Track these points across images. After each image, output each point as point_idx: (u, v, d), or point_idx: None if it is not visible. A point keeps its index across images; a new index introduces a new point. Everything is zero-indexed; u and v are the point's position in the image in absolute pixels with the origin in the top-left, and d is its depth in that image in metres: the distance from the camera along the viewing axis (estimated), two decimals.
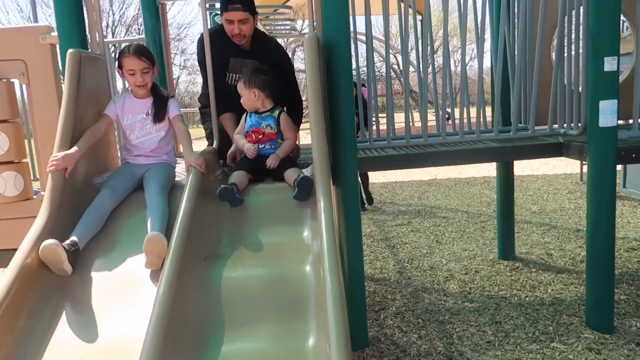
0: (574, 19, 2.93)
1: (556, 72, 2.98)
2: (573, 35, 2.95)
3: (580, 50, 2.87)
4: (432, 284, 3.66)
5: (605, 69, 2.51)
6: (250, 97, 2.43)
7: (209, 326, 1.70)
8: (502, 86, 3.33)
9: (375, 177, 8.50)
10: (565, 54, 3.00)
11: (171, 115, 2.43)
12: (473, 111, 3.50)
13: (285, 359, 1.59)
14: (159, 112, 2.40)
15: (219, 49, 2.70)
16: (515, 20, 3.34)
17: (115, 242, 2.10)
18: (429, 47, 3.32)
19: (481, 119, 3.18)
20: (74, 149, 2.17)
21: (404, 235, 5.02)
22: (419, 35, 3.37)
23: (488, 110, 3.85)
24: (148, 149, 2.41)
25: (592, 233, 2.72)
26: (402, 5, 3.05)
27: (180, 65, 27.06)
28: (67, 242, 1.93)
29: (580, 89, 2.92)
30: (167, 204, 2.17)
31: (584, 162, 6.87)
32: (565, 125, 3.07)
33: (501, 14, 3.02)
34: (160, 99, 2.42)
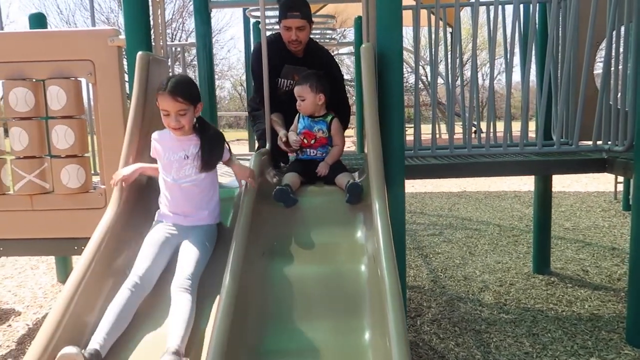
0: (622, 36, 2.95)
1: (602, 89, 3.01)
2: (621, 52, 2.98)
3: (629, 67, 2.89)
4: (467, 294, 3.69)
5: None
6: (314, 101, 2.50)
7: (268, 317, 1.79)
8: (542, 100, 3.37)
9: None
10: (612, 68, 3.03)
11: (223, 159, 2.17)
12: (499, 126, 3.54)
13: (343, 352, 1.66)
14: (209, 160, 2.06)
15: (275, 56, 2.81)
16: (559, 34, 3.38)
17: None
18: (458, 59, 3.37)
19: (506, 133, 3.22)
20: (136, 165, 2.16)
21: (436, 245, 5.05)
22: (449, 47, 3.42)
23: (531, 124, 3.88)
24: (185, 194, 2.05)
25: (636, 249, 2.72)
26: (432, 17, 3.13)
27: None
28: (88, 350, 1.61)
29: (626, 106, 2.94)
30: (196, 296, 1.79)
31: (619, 181, 6.83)
32: (609, 141, 3.09)
33: (549, 28, 3.06)
34: (210, 144, 2.07)
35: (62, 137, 2.67)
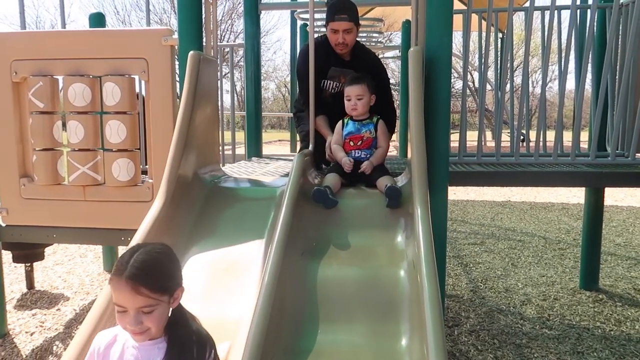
0: None
1: None
2: None
3: None
4: (508, 307, 3.58)
5: None
6: (368, 101, 2.49)
7: (305, 316, 1.79)
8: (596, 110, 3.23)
9: None
10: None
11: None
12: (550, 135, 3.42)
13: (379, 355, 1.64)
14: None
15: (322, 59, 2.82)
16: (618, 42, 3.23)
17: (219, 231, 2.24)
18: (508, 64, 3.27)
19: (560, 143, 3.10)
20: None
21: (477, 254, 4.93)
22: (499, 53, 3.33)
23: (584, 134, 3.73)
24: None
25: None
26: (484, 23, 3.06)
27: None
28: None
29: None
30: None
31: None
32: None
33: (608, 34, 2.94)
34: (178, 357, 1.32)
35: (115, 131, 2.78)
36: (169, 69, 2.76)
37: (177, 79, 2.92)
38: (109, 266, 4.51)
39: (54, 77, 2.84)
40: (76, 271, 4.52)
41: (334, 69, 2.89)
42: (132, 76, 2.82)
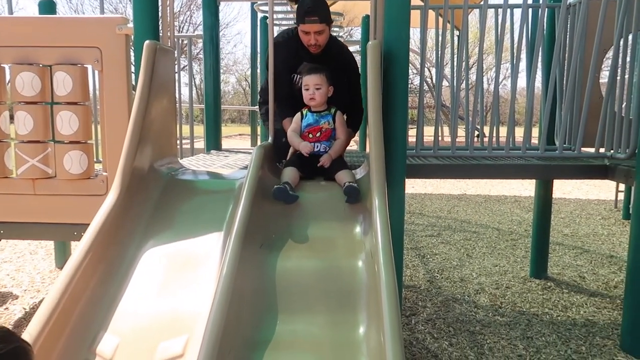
0: (629, 44, 2.96)
1: (607, 96, 3.01)
2: (628, 60, 2.98)
3: (635, 76, 2.89)
4: (463, 296, 3.70)
5: None
6: (326, 92, 2.50)
7: (264, 308, 1.80)
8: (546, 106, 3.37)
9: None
10: (618, 78, 3.03)
11: None
12: (502, 130, 3.55)
13: (337, 344, 1.67)
14: None
15: (293, 54, 2.80)
16: (567, 41, 3.38)
17: (176, 224, 2.22)
18: (463, 62, 3.34)
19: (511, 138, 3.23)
20: None
21: (434, 246, 5.06)
22: (455, 50, 3.43)
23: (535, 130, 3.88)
24: None
25: (634, 257, 2.73)
26: (440, 19, 3.14)
27: None
28: None
29: (631, 114, 2.94)
30: None
31: (620, 190, 6.85)
32: (612, 149, 3.09)
33: (557, 33, 3.07)
34: None
35: (66, 122, 2.68)
36: (123, 58, 2.69)
37: (133, 69, 2.84)
38: (61, 263, 4.36)
39: (1, 65, 2.71)
40: (26, 269, 4.34)
41: (306, 64, 2.88)
42: (85, 65, 2.73)
